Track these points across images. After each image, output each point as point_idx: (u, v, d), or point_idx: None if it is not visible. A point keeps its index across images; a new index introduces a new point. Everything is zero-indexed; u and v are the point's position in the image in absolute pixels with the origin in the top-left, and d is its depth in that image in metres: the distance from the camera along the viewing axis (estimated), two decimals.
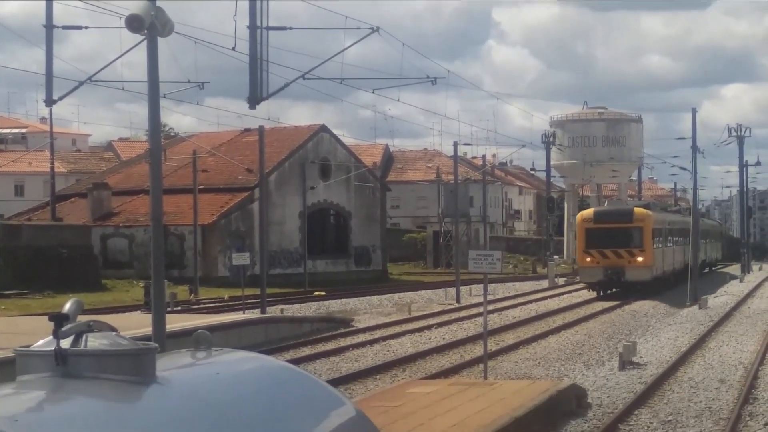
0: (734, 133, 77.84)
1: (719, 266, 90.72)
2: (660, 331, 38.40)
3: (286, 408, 4.94)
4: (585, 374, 26.52)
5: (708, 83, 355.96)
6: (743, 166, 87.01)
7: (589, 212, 51.55)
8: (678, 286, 52.94)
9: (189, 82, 32.44)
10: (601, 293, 49.36)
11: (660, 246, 51.95)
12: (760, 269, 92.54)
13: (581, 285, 58.01)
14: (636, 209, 51.32)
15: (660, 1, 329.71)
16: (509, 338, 33.71)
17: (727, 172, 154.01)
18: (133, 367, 4.37)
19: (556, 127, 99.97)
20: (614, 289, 49.53)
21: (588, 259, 48.84)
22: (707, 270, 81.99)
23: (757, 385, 24.47)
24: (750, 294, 58.58)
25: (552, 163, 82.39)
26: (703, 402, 22.56)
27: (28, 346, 4.39)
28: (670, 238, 57.13)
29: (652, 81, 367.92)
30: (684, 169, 76.88)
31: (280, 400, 4.97)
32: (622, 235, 48.58)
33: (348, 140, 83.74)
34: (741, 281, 72.36)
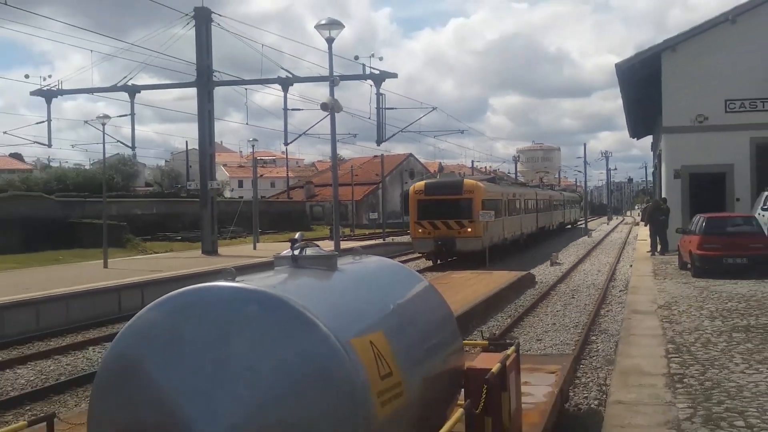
0: (604, 155, 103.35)
1: (578, 223, 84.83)
2: (570, 248, 46.42)
3: (398, 281, 6.44)
4: (536, 269, 32.13)
5: (592, 131, 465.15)
6: (608, 170, 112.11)
7: (420, 184, 38.60)
8: (521, 254, 43.09)
9: (349, 134, 45.59)
10: (437, 262, 37.61)
11: (494, 217, 37.99)
12: (616, 219, 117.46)
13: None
14: (466, 181, 38.78)
15: (568, 96, 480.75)
16: (500, 256, 38.13)
17: (601, 172, 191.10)
18: (327, 263, 5.73)
19: (520, 153, 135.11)
20: (452, 258, 37.52)
21: (420, 230, 36.73)
22: (569, 226, 78.01)
23: (615, 273, 30.11)
24: (612, 230, 73.87)
25: (518, 170, 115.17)
26: (590, 280, 28.05)
27: (279, 254, 5.79)
28: (510, 208, 43.77)
29: (566, 131, 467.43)
30: (580, 172, 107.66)
31: (395, 277, 6.48)
32: (452, 206, 36.45)
33: (423, 160, 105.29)
34: (607, 224, 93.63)
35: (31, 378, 15.21)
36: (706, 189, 32.13)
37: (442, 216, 35.98)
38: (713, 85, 31.86)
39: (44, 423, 5.44)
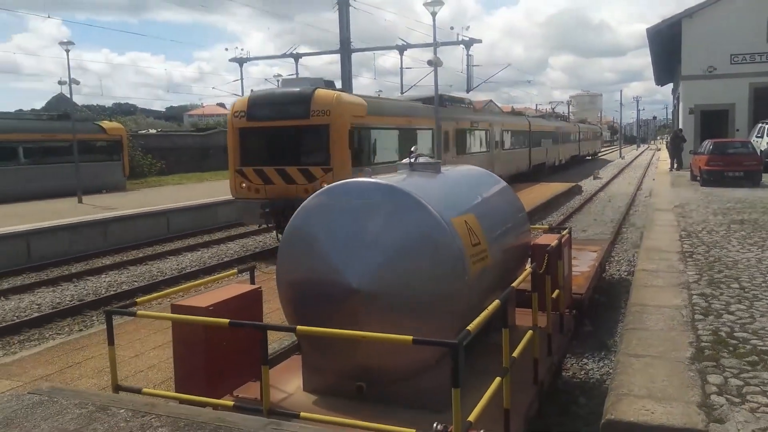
0: (635, 99, 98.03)
1: (598, 155, 65.17)
2: (608, 168, 43.96)
3: (485, 182, 6.41)
4: (582, 181, 31.20)
5: (626, 81, 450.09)
6: (638, 110, 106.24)
7: (242, 101, 13.17)
8: (571, 170, 38.60)
9: (446, 85, 40.97)
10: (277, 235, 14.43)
11: (386, 159, 14.65)
12: (643, 146, 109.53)
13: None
14: (318, 92, 12.69)
15: (608, 55, 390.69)
16: (556, 173, 37.69)
17: (632, 112, 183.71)
18: (434, 168, 5.70)
19: (572, 98, 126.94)
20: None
21: (243, 185, 13.16)
22: (589, 158, 56.30)
23: (642, 184, 29.45)
24: (639, 155, 67.11)
25: (571, 111, 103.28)
26: (623, 191, 27.25)
27: (400, 162, 5.85)
28: (461, 144, 22.49)
29: (606, 81, 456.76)
30: (617, 111, 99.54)
31: (483, 179, 6.46)
32: (293, 140, 12.61)
33: (499, 104, 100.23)
34: (636, 150, 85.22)
35: (237, 249, 15.81)
36: (713, 122, 30.63)
37: (276, 159, 13.66)
38: (721, 43, 29.99)
39: (248, 272, 5.69)
